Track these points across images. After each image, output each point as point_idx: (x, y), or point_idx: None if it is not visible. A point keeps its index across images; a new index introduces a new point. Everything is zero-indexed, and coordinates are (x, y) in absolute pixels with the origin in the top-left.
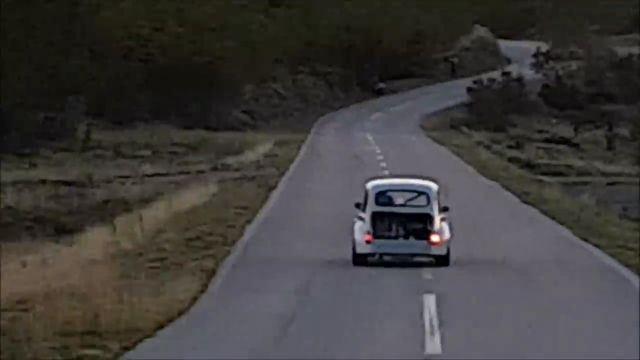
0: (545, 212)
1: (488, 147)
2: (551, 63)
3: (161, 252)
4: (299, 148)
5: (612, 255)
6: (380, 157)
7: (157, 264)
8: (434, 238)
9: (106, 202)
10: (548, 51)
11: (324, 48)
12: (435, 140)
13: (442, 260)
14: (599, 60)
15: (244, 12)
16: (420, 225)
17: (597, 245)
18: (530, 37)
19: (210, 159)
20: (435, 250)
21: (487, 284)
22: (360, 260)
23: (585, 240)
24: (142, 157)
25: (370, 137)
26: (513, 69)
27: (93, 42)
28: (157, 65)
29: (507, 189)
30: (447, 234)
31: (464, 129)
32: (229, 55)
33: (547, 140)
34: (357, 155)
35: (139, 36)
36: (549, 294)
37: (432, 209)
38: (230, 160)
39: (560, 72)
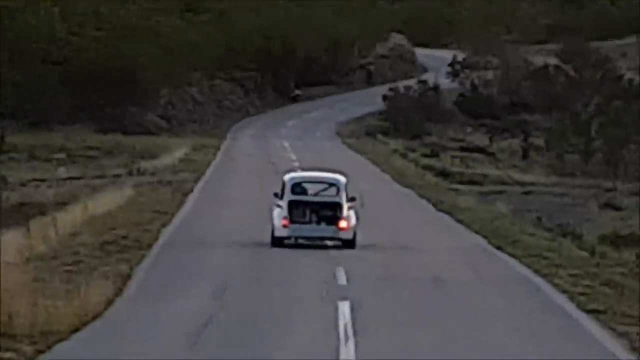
0: (460, 221)
1: (404, 155)
2: (467, 72)
3: (76, 256)
4: (214, 153)
5: (527, 265)
6: (296, 164)
7: (72, 268)
8: (342, 224)
9: (21, 205)
10: (464, 60)
11: (240, 54)
12: (351, 147)
13: (348, 244)
14: (514, 70)
15: (161, 16)
16: (330, 212)
17: (511, 254)
18: (446, 46)
19: (126, 163)
20: (343, 235)
21: (401, 292)
22: (277, 242)
23: (500, 248)
24: (58, 160)
25: (286, 144)
26: (429, 77)
27: (9, 44)
28: (73, 69)
29: (423, 197)
30: (353, 221)
31: (380, 136)
32: (146, 59)
33: (462, 149)
34: (272, 161)
35: (56, 39)
36: (463, 302)
37: (341, 199)
38: (146, 164)
39: (476, 81)
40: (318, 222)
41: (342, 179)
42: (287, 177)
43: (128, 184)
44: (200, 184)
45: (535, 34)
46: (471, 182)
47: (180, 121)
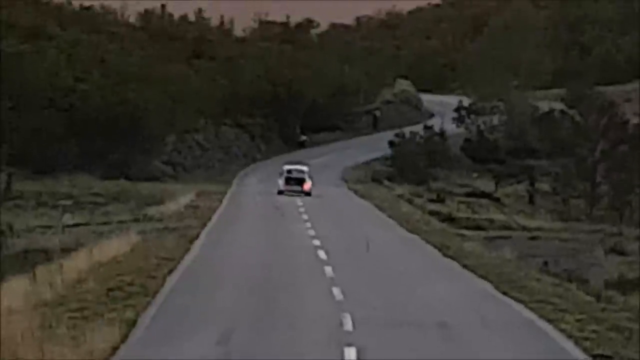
0: (466, 266)
1: (410, 201)
2: (473, 117)
3: (82, 302)
4: (220, 199)
5: (533, 310)
6: (302, 210)
7: (78, 314)
8: (305, 186)
9: (27, 251)
10: (470, 105)
11: (246, 100)
12: (357, 193)
13: (307, 194)
14: (520, 115)
15: (167, 63)
16: (300, 181)
17: (517, 299)
18: (452, 91)
19: (132, 209)
20: (305, 191)
21: (407, 338)
22: (279, 193)
23: (506, 294)
24: (64, 206)
25: None
26: (435, 123)
27: (15, 91)
28: (79, 115)
29: (429, 242)
30: (310, 185)
31: (386, 182)
32: (151, 106)
33: (468, 194)
34: (278, 207)
35: (61, 86)
36: (470, 348)
37: (305, 176)
38: (151, 210)
39: (482, 127)
40: (295, 185)
41: (306, 168)
42: (285, 167)
43: (134, 231)
44: (206, 230)
45: (540, 79)
46: (477, 228)
47: (186, 167)
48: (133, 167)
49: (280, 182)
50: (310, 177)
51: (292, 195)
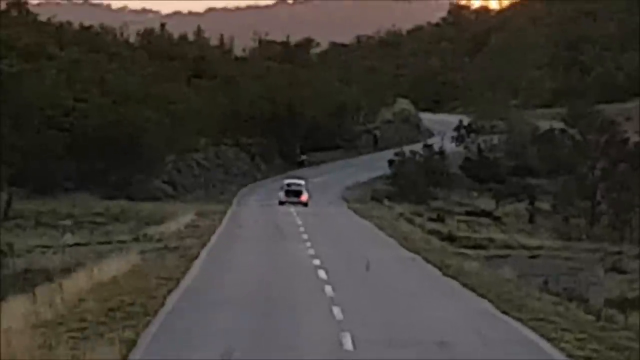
0: (466, 285)
1: (410, 220)
2: (473, 136)
3: (82, 322)
4: (220, 219)
5: (533, 329)
6: (302, 229)
7: (78, 334)
8: (302, 197)
9: (27, 271)
10: (470, 124)
11: (246, 119)
12: (356, 212)
13: (304, 205)
14: (520, 134)
15: (167, 82)
16: (298, 193)
17: (517, 318)
18: (452, 110)
19: (132, 229)
20: (303, 201)
21: (408, 357)
22: (280, 204)
23: (506, 313)
24: (64, 226)
25: (291, 209)
26: (435, 142)
27: (15, 110)
28: (79, 135)
29: (429, 261)
30: (307, 197)
31: (386, 201)
32: (151, 125)
33: (468, 213)
34: (278, 227)
35: (61, 105)
36: None
37: (302, 189)
38: (151, 230)
39: (482, 145)
40: (294, 196)
41: (303, 182)
42: (284, 181)
43: (134, 250)
44: (206, 249)
45: (540, 97)
46: (477, 247)
47: (186, 187)
48: (133, 186)
49: (281, 194)
50: (307, 190)
51: (291, 208)
